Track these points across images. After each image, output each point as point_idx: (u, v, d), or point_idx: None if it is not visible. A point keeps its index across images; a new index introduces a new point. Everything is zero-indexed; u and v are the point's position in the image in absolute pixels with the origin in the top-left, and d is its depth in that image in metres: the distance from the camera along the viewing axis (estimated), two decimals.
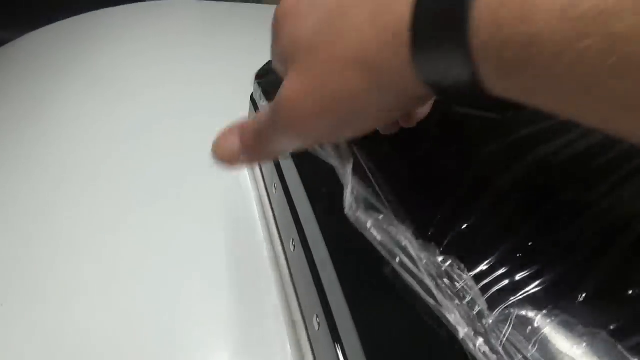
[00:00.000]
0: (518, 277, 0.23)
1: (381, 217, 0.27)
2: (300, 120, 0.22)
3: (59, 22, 1.01)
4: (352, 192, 0.28)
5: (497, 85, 0.17)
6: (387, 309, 0.26)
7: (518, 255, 0.24)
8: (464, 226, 0.27)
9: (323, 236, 0.32)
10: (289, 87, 0.22)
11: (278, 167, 0.43)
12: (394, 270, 0.25)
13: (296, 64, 0.22)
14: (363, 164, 0.32)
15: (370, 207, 0.27)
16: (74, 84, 0.76)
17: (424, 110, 0.30)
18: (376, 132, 0.34)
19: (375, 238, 0.26)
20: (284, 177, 0.42)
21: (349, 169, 0.30)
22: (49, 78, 0.78)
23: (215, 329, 0.38)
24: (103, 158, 0.58)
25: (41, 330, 0.38)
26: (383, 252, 0.26)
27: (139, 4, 1.19)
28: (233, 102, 0.61)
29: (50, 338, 0.37)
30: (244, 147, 0.26)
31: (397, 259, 0.25)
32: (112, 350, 0.36)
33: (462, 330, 0.22)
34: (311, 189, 0.36)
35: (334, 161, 0.31)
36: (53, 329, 0.38)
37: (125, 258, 0.44)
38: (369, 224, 0.27)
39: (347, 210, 0.28)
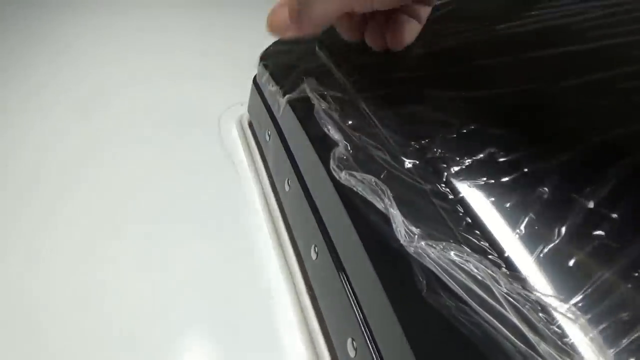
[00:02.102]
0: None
1: (444, 245, 0.22)
2: None
3: None
4: (403, 222, 0.23)
5: None
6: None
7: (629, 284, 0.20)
8: (550, 246, 0.22)
9: (363, 244, 0.26)
10: None
11: (292, 158, 0.37)
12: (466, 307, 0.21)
13: None
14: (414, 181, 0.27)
15: (428, 235, 0.23)
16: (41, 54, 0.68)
17: (412, 30, 0.32)
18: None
19: (442, 270, 0.21)
20: (299, 170, 0.36)
21: (390, 197, 0.25)
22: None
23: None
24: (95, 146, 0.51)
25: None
26: (454, 288, 0.21)
27: None
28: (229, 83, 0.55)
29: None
30: (291, 15, 0.28)
31: (475, 298, 0.20)
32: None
33: None
34: (338, 183, 0.30)
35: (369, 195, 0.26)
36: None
37: (118, 267, 0.37)
38: (432, 254, 0.22)
39: (403, 241, 0.23)
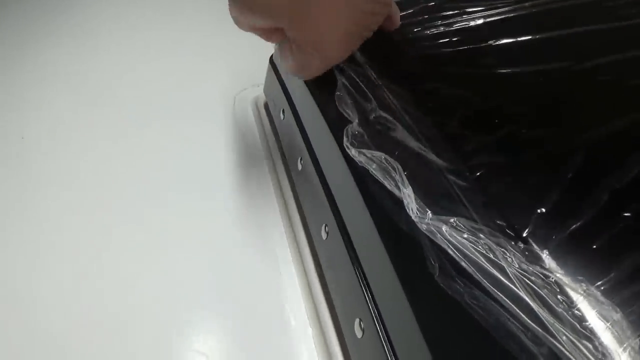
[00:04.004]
0: None
1: (456, 220, 0.21)
2: None
3: None
4: (415, 198, 0.22)
5: None
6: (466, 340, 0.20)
7: None
8: (573, 227, 0.21)
9: (375, 225, 0.25)
10: None
11: (305, 136, 0.37)
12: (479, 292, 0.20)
13: None
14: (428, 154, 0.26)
15: (441, 211, 0.22)
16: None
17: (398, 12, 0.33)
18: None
19: (454, 249, 0.20)
20: (312, 149, 0.35)
21: (401, 173, 0.24)
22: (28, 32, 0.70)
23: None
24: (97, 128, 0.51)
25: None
26: (467, 266, 0.20)
27: None
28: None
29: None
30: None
31: (489, 278, 0.19)
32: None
33: None
34: (352, 162, 0.29)
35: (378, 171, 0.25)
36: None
37: (124, 256, 0.37)
38: (444, 230, 0.21)
39: (414, 217, 0.22)
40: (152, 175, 0.43)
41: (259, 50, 0.50)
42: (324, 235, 0.31)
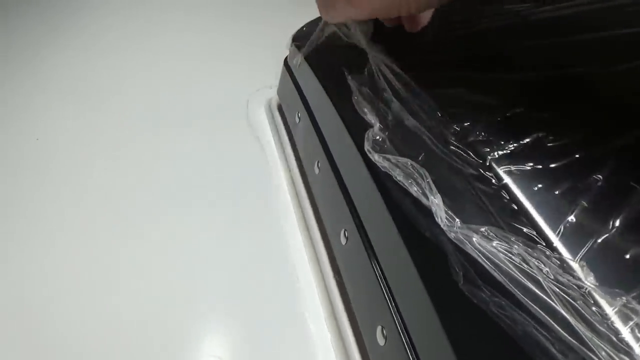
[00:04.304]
0: None
1: (487, 230, 0.21)
2: None
3: None
4: (443, 207, 0.22)
5: None
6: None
7: None
8: (605, 236, 0.20)
9: (398, 231, 0.25)
10: None
11: (322, 140, 0.36)
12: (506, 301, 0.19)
13: None
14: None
15: (468, 219, 0.21)
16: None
17: (428, 13, 0.32)
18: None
19: (485, 259, 0.20)
20: (330, 153, 0.35)
21: (429, 180, 0.24)
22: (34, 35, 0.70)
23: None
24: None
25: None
26: (499, 276, 0.20)
27: None
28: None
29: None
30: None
31: (521, 289, 0.19)
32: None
33: None
34: (373, 166, 0.29)
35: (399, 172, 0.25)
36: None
37: (134, 261, 0.36)
38: (475, 239, 0.21)
39: (443, 226, 0.22)
40: (161, 179, 0.43)
41: (272, 51, 0.50)
42: (343, 240, 0.31)
